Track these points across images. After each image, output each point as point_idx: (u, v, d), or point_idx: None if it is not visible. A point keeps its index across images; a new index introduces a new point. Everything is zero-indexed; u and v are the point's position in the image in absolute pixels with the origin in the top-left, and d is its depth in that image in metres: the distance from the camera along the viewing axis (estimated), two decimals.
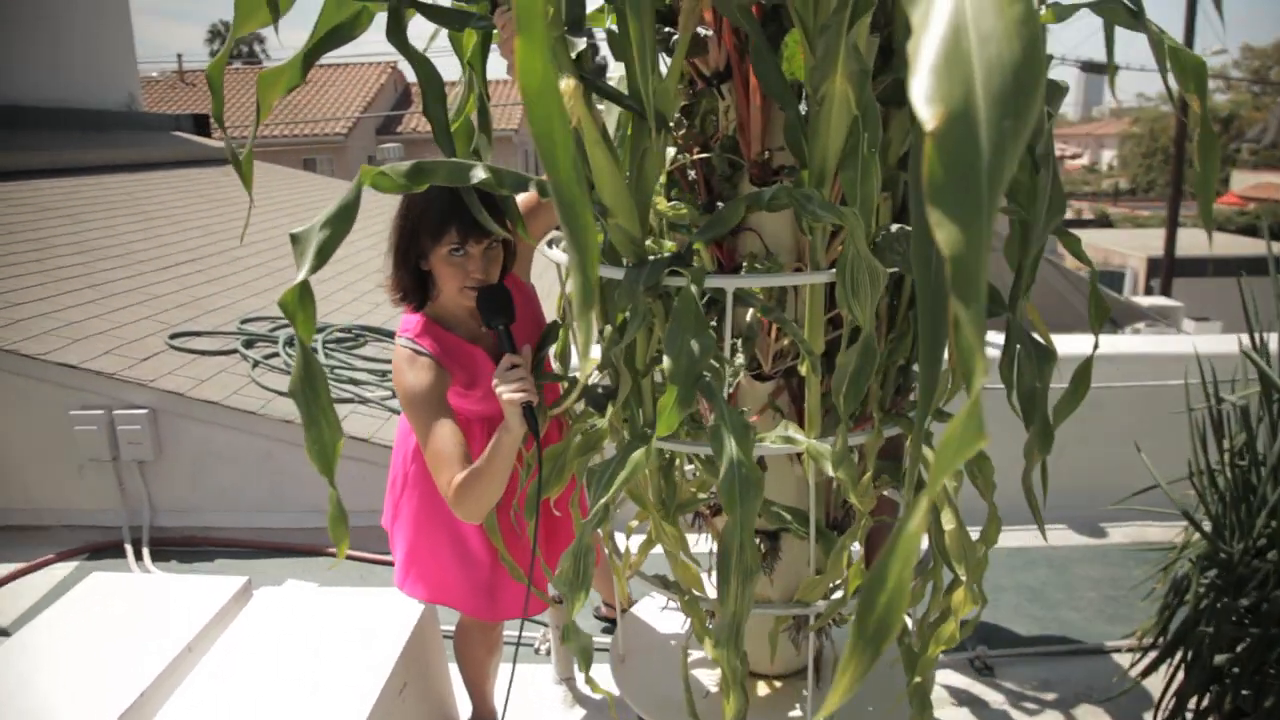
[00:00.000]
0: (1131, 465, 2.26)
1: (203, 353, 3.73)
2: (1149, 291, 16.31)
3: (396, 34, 1.44)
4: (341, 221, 1.10)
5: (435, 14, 1.36)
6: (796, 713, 1.77)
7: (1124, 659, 2.41)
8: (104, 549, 3.24)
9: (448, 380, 1.67)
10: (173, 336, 3.79)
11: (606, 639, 2.45)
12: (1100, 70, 18.59)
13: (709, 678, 1.93)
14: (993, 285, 1.49)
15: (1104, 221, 28.44)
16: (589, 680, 1.52)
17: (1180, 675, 1.93)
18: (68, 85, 7.94)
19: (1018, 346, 1.43)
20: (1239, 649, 1.79)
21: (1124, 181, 40.15)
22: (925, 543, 1.71)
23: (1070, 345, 3.53)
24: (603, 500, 1.24)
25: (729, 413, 1.13)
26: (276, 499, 3.39)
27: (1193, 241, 16.79)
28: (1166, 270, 14.45)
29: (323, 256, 1.09)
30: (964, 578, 1.39)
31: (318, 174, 13.21)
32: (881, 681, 1.84)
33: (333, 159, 19.42)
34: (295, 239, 1.12)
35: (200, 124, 9.82)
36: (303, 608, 2.17)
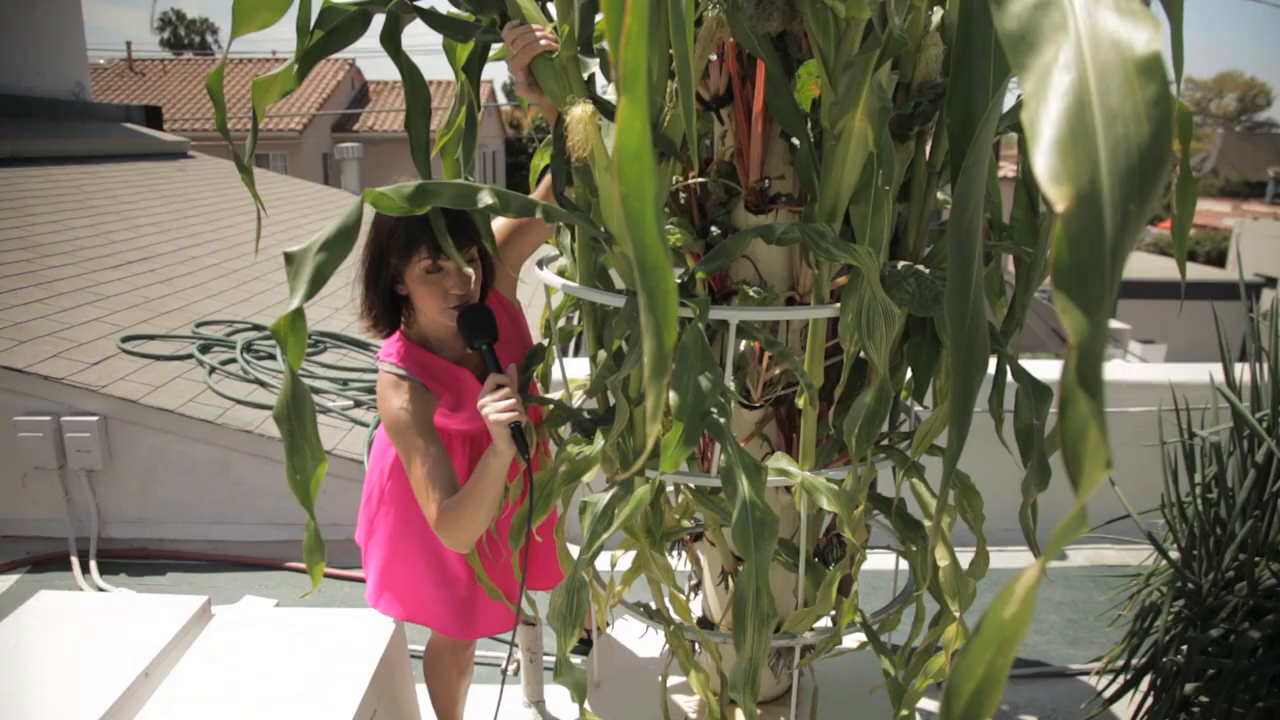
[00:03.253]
0: (1103, 491, 2.29)
1: (156, 357, 3.61)
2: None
3: (392, 40, 1.40)
4: (340, 244, 1.06)
5: (439, 22, 1.33)
6: None
7: (1089, 683, 2.44)
8: (48, 561, 3.11)
9: (433, 404, 1.62)
10: (124, 340, 3.66)
11: (579, 660, 2.42)
12: None
13: (687, 703, 1.91)
14: (990, 323, 1.50)
15: None
16: (584, 713, 1.49)
17: (1149, 702, 1.96)
18: (11, 71, 7.66)
19: (1011, 381, 1.43)
20: (1208, 679, 1.82)
21: None
22: (907, 571, 1.71)
23: (1044, 370, 3.59)
24: (603, 537, 1.21)
25: (740, 453, 1.11)
26: (232, 511, 3.28)
27: (1137, 265, 17.27)
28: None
29: (318, 281, 1.05)
30: (957, 613, 1.39)
31: (270, 170, 12.94)
32: (864, 712, 1.84)
33: (286, 156, 19.05)
34: (290, 259, 1.07)
35: (152, 116, 9.55)
36: (265, 629, 2.09)
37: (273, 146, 19.04)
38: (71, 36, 8.75)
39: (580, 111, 1.08)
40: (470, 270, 1.57)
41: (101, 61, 22.34)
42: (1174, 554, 2.01)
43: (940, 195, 1.70)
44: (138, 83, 21.08)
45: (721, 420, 1.16)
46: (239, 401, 3.37)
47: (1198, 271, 17.19)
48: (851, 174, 1.15)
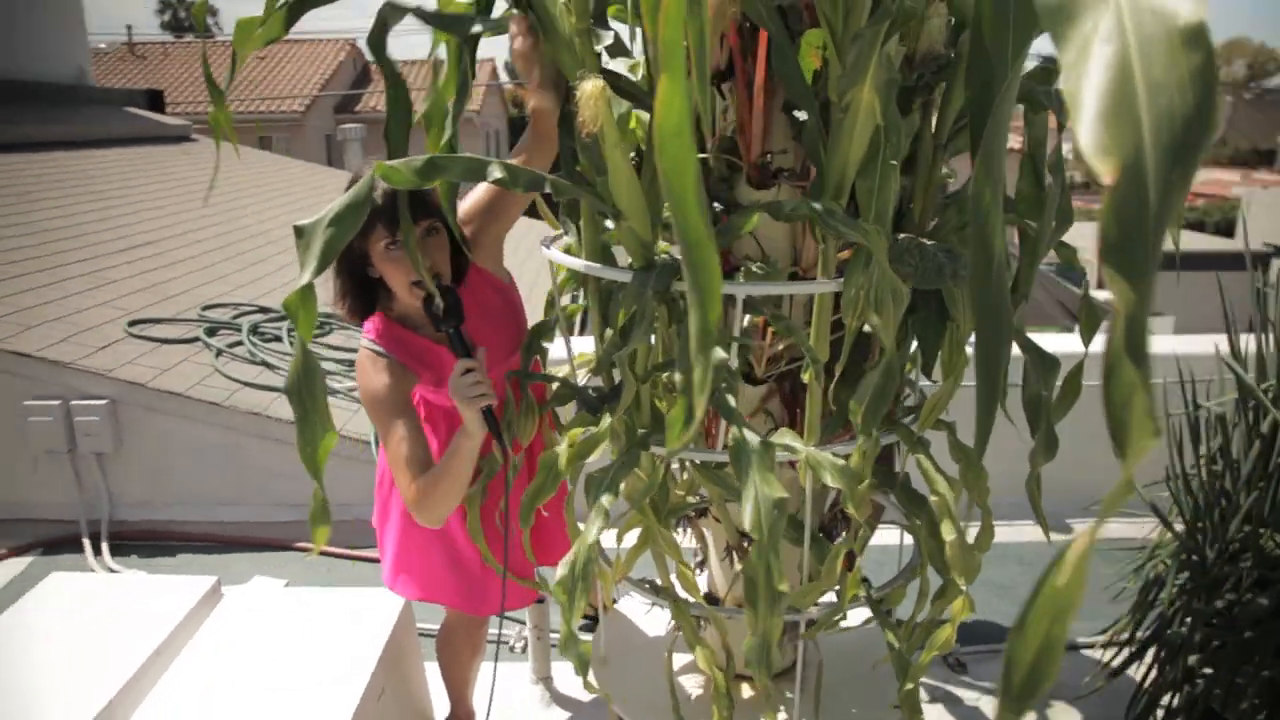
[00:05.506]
0: (1100, 464, 2.28)
1: (163, 340, 3.62)
2: (1100, 286, 16.58)
3: (378, 44, 1.38)
4: (350, 219, 1.06)
5: (432, 19, 1.31)
6: (782, 715, 1.77)
7: (1094, 656, 2.45)
8: (60, 544, 3.14)
9: (410, 382, 1.64)
10: (131, 323, 3.68)
11: (587, 637, 2.44)
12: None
13: (692, 681, 1.92)
14: None
15: None
16: (587, 685, 1.51)
17: (1153, 674, 1.97)
18: (14, 57, 7.64)
19: (1017, 354, 1.43)
20: (1212, 650, 1.83)
21: (1078, 175, 40.88)
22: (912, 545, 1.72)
23: (1053, 344, 3.58)
24: (604, 509, 1.22)
25: (749, 431, 1.11)
26: (241, 492, 3.31)
27: None
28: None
29: (329, 256, 1.05)
30: (964, 586, 1.39)
31: (274, 153, 12.92)
32: (869, 686, 1.85)
33: (289, 138, 19.00)
34: (300, 233, 1.07)
35: (154, 100, 9.53)
36: (274, 609, 2.11)
37: (275, 129, 18.99)
38: (73, 21, 8.72)
39: (591, 86, 1.08)
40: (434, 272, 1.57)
41: (102, 46, 22.22)
42: (1179, 526, 2.01)
43: (944, 169, 1.68)
44: (139, 67, 21.01)
45: (729, 397, 1.16)
46: (246, 384, 3.39)
47: (1205, 242, 17.05)
48: (859, 147, 1.14)
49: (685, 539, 1.88)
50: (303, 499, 3.33)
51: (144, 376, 3.26)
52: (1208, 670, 1.83)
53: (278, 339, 3.89)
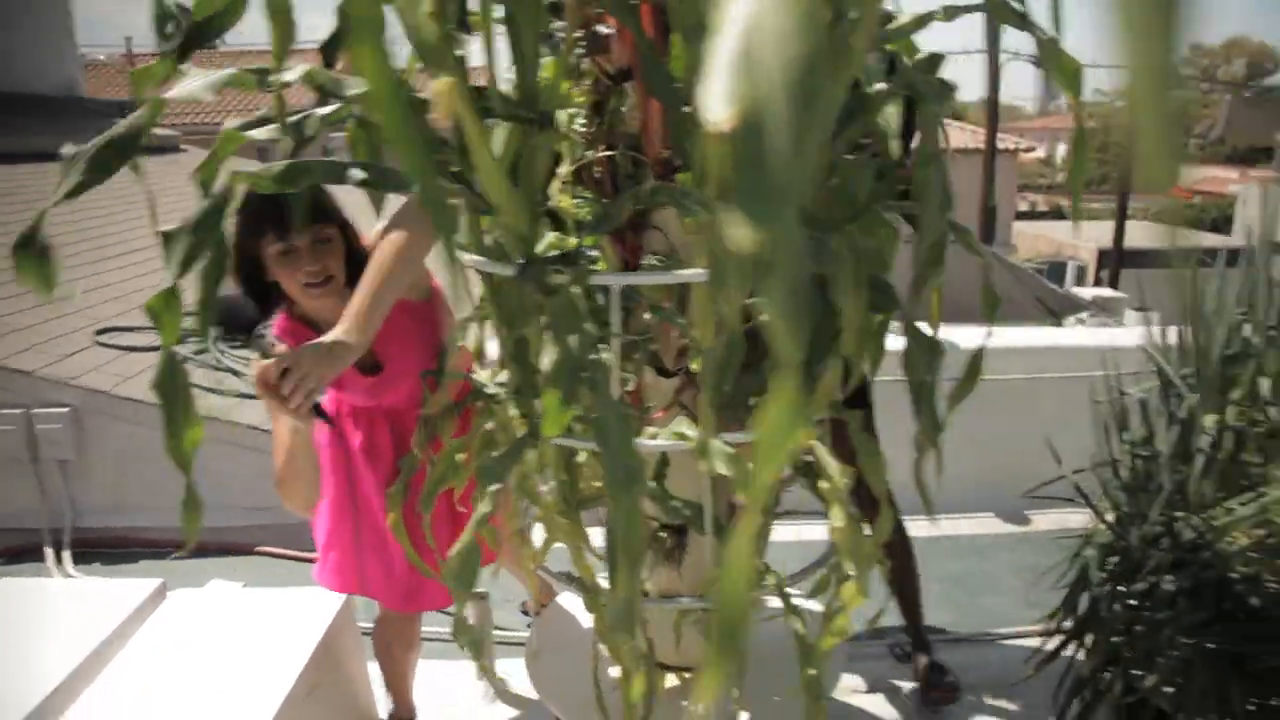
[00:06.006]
0: (1062, 453, 2.29)
1: (130, 349, 3.66)
2: (1098, 282, 16.63)
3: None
4: (209, 225, 1.09)
5: None
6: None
7: (1033, 644, 2.46)
8: (23, 552, 3.17)
9: None
10: (99, 332, 3.71)
11: (524, 632, 2.46)
12: None
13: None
14: (889, 281, 1.51)
15: (1057, 214, 28.95)
16: (483, 668, 1.53)
17: (1080, 657, 1.98)
18: (6, 69, 7.71)
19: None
20: (1133, 632, 1.84)
21: (1060, 177, 40.83)
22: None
23: (1010, 338, 3.60)
24: (488, 497, 1.24)
25: (610, 405, 1.13)
26: (204, 497, 3.32)
27: (1143, 234, 17.15)
28: (1115, 262, 14.76)
29: (190, 262, 1.07)
30: (852, 572, 1.41)
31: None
32: (792, 672, 1.86)
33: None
34: (166, 239, 1.10)
35: None
36: (219, 609, 2.14)
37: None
38: (62, 34, 8.79)
39: (441, 83, 1.10)
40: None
41: (102, 58, 22.33)
42: (1110, 514, 2.02)
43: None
44: None
45: (599, 379, 1.18)
46: (208, 389, 3.42)
47: (1202, 239, 17.00)
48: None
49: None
50: (264, 502, 3.34)
51: (107, 384, 3.29)
52: (1129, 653, 1.84)
53: (245, 345, 3.92)
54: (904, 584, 2.33)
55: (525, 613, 2.67)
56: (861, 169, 1.40)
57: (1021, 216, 25.57)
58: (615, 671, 1.93)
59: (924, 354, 1.37)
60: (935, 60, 1.42)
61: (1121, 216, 15.59)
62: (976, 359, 1.55)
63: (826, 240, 1.21)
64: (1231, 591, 1.74)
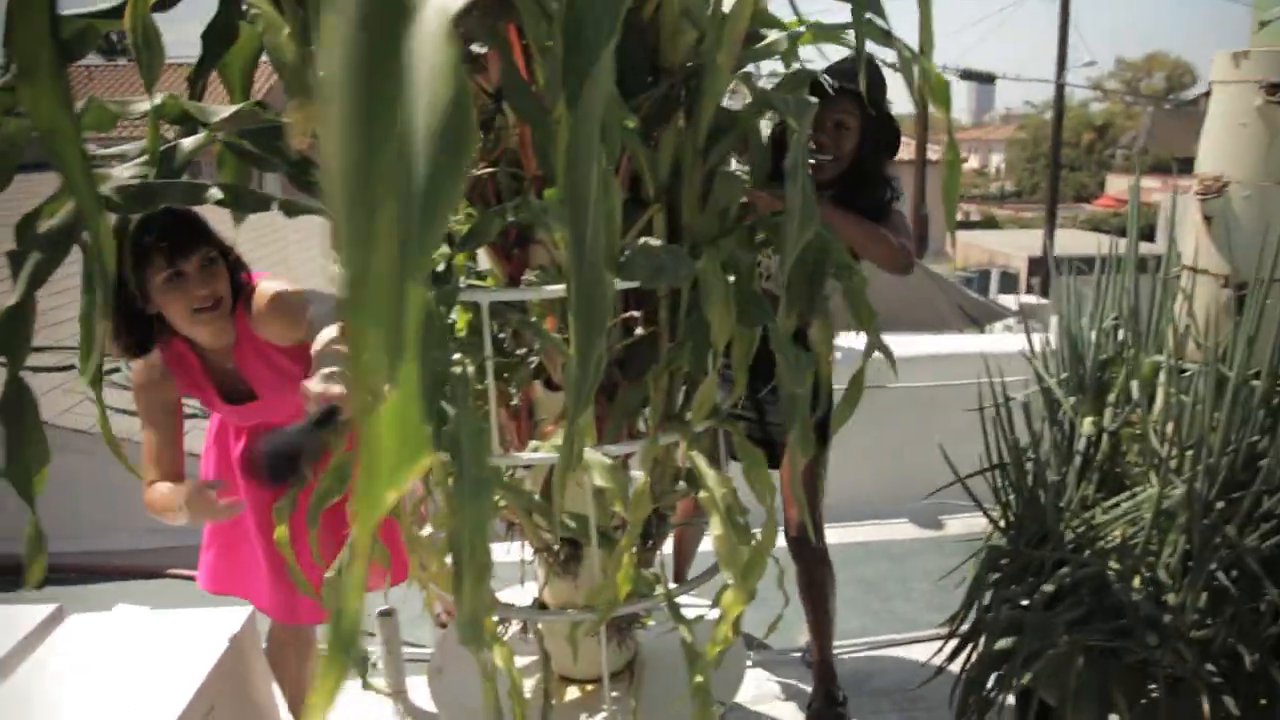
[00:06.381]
0: (964, 460, 2.34)
1: (37, 369, 3.56)
2: (1029, 290, 17.07)
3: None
4: (59, 246, 1.08)
5: None
6: (603, 714, 1.80)
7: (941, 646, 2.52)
8: None
9: (170, 387, 1.74)
10: None
11: (426, 649, 2.45)
12: (980, 79, 19.41)
13: (526, 688, 1.94)
14: (775, 295, 1.55)
15: (991, 223, 29.68)
16: (367, 685, 1.56)
17: (973, 658, 2.04)
18: None
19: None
20: (1022, 632, 1.90)
21: (1010, 184, 41.96)
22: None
23: (908, 346, 3.68)
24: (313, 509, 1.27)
25: (464, 418, 1.15)
26: (114, 520, 3.26)
27: (1072, 241, 17.65)
28: (1044, 269, 15.19)
29: (35, 282, 1.06)
30: (731, 580, 1.43)
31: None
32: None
33: None
34: (11, 259, 1.09)
35: None
36: (118, 633, 2.09)
37: None
38: None
39: (296, 109, 1.11)
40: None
41: None
42: (1000, 518, 2.08)
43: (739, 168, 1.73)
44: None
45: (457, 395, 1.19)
46: (117, 410, 3.33)
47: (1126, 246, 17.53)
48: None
49: (521, 547, 1.90)
50: (172, 527, 3.28)
51: None
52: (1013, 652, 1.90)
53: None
54: (816, 601, 2.32)
55: (442, 625, 2.66)
56: (731, 185, 1.44)
57: (956, 225, 26.24)
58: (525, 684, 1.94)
59: (792, 369, 1.40)
60: (800, 77, 1.47)
61: (1051, 225, 16.08)
62: (858, 378, 1.60)
63: (681, 256, 1.24)
64: (1108, 588, 1.81)
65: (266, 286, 1.70)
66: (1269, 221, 1.68)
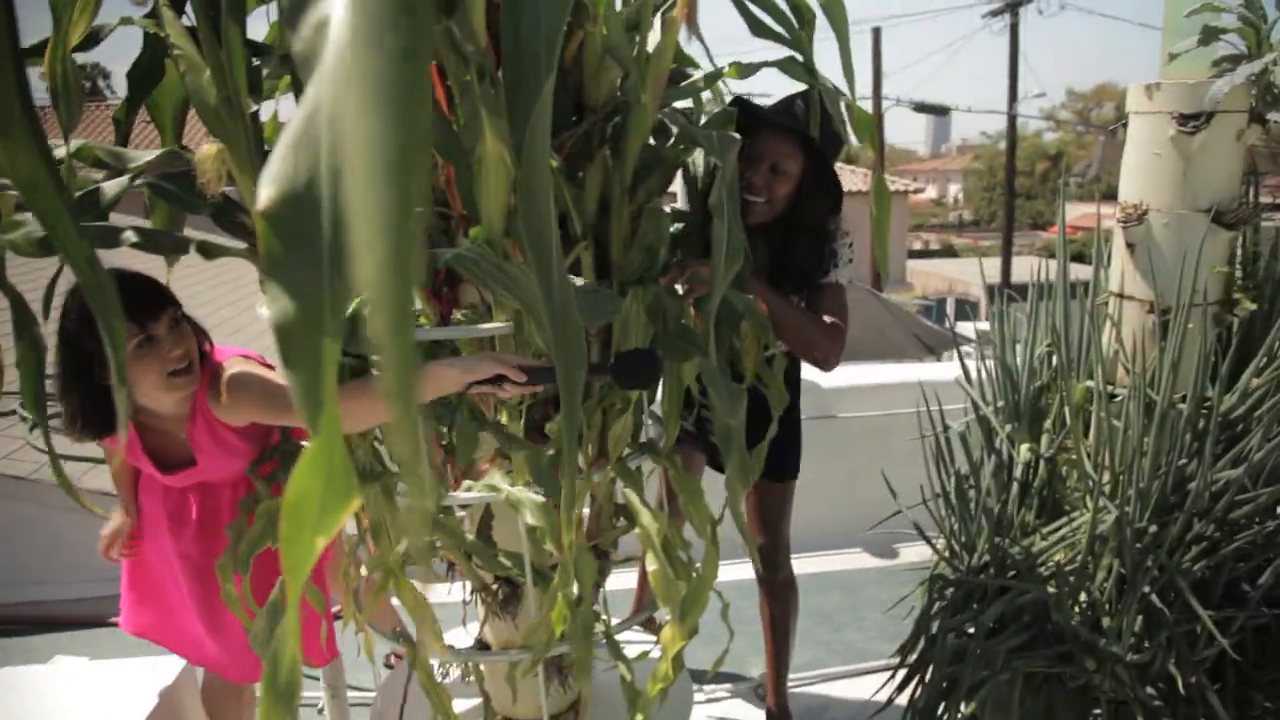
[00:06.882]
0: (913, 487, 2.34)
1: None
2: (988, 318, 17.32)
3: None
4: None
5: None
6: None
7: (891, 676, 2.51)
8: None
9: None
10: None
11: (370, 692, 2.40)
12: (934, 111, 19.83)
13: None
14: (691, 329, 1.55)
15: (949, 252, 30.19)
16: None
17: (921, 687, 2.03)
18: None
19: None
20: (965, 659, 1.90)
21: (968, 213, 42.75)
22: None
23: (861, 376, 3.71)
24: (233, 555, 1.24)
25: (390, 464, 1.14)
26: (54, 569, 3.17)
27: (1029, 269, 17.92)
28: (1001, 298, 15.42)
29: None
30: (668, 616, 1.42)
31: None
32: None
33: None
34: None
35: None
36: (54, 686, 2.04)
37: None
38: None
39: (206, 150, 1.11)
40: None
41: None
42: (942, 544, 2.09)
43: (672, 205, 1.75)
44: None
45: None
46: (61, 456, 3.26)
47: (1080, 271, 17.89)
48: (497, 196, 1.19)
49: (461, 588, 1.87)
50: (116, 573, 3.21)
51: None
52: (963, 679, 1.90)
53: None
54: (778, 634, 2.29)
55: (389, 666, 2.62)
56: (659, 222, 1.45)
57: (915, 255, 26.72)
58: None
59: (725, 401, 1.41)
60: (726, 115, 1.49)
61: (1007, 254, 16.40)
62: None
63: (611, 297, 1.24)
64: (1049, 614, 1.83)
65: (237, 372, 1.53)
66: (1187, 248, 1.73)
